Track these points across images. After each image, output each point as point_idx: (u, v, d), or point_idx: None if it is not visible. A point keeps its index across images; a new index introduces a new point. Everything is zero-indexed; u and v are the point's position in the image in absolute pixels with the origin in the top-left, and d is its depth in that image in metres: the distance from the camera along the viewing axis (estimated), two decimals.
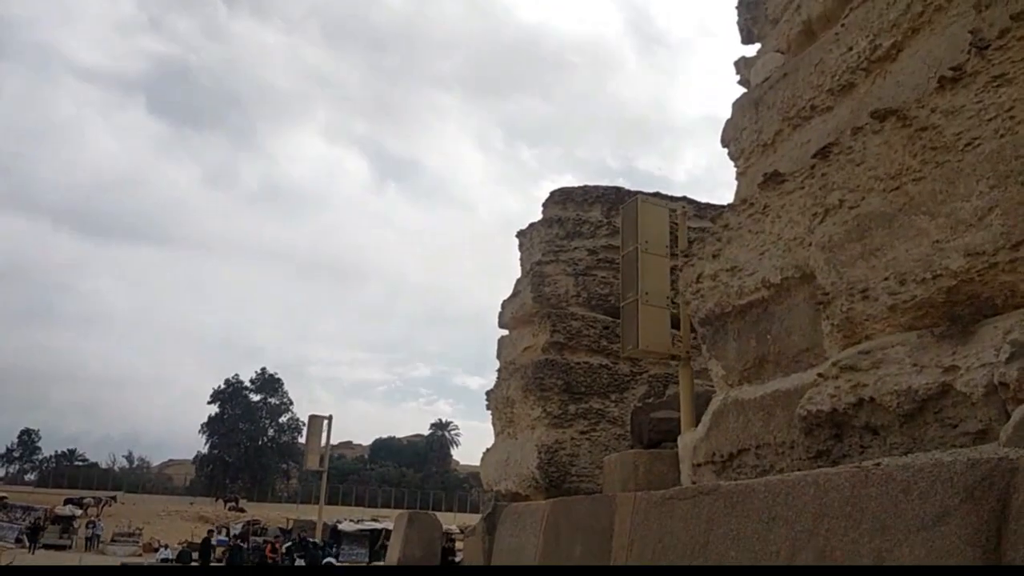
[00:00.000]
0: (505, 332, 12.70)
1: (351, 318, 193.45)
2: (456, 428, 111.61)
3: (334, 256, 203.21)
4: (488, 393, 12.69)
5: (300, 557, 24.86)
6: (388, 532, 38.27)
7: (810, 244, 5.19)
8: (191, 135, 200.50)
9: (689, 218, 8.25)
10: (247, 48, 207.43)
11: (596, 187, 12.38)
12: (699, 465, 6.44)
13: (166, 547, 33.88)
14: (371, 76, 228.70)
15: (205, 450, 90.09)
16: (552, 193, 12.49)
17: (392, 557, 11.74)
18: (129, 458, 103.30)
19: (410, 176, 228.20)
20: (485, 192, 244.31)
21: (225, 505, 59.60)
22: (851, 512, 3.26)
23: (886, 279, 4.50)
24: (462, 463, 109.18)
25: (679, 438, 7.03)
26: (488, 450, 12.51)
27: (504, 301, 12.76)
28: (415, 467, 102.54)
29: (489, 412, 12.68)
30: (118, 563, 24.06)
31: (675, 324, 7.90)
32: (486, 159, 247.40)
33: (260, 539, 34.83)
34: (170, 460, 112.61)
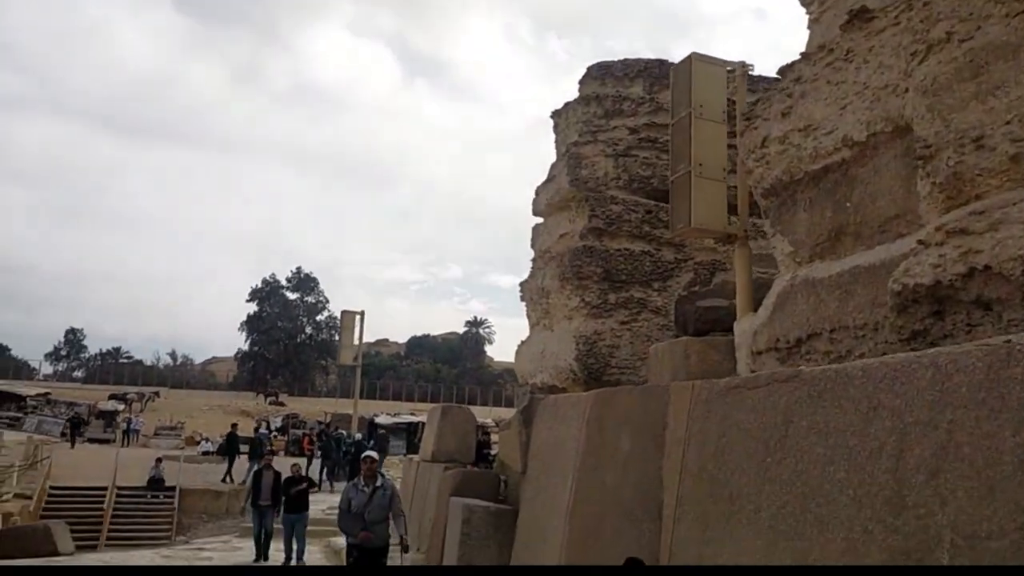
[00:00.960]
0: (540, 220, 11.97)
1: (383, 218, 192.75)
2: (490, 325, 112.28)
3: (364, 156, 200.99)
4: (522, 284, 12.07)
5: (320, 448, 24.45)
6: (423, 425, 38.61)
7: (906, 90, 4.37)
8: (218, 32, 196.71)
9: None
10: None
11: (637, 60, 11.40)
12: (759, 353, 5.79)
13: (207, 440, 34.56)
14: None
15: (246, 347, 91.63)
16: (590, 68, 11.53)
17: (426, 451, 11.38)
18: (173, 355, 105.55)
19: (438, 73, 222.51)
20: (514, 88, 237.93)
21: (266, 400, 60.68)
22: (986, 399, 2.58)
23: (1008, 123, 3.69)
24: (496, 359, 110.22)
25: (735, 324, 6.38)
26: (523, 342, 11.98)
27: (538, 187, 11.98)
28: (450, 363, 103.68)
29: (524, 304, 12.10)
30: (160, 454, 24.26)
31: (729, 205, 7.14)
32: (514, 52, 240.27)
33: (299, 431, 35.34)
34: (213, 357, 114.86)
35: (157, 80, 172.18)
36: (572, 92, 11.82)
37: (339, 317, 27.51)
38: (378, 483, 8.04)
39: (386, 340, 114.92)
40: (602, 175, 10.56)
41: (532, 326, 11.69)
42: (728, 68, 6.71)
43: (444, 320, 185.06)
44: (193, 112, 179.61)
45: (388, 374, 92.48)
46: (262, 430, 33.61)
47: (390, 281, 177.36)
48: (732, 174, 6.99)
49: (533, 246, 11.92)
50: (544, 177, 11.92)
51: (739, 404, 3.92)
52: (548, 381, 10.65)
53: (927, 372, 2.82)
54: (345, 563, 8.42)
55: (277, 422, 40.33)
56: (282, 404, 57.17)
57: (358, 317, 25.17)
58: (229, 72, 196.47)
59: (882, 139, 4.63)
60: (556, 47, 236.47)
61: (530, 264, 11.84)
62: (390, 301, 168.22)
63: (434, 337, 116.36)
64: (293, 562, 11.94)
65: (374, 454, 8.67)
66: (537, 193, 11.93)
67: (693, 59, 6.51)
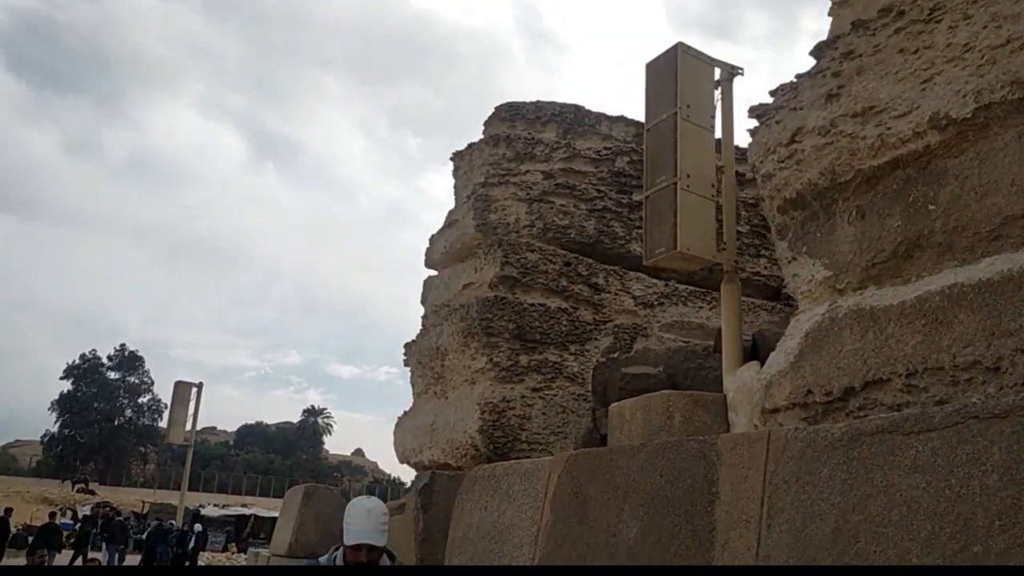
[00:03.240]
0: (433, 272, 10.43)
1: (221, 301, 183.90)
2: (329, 415, 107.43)
3: (205, 236, 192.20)
4: (407, 346, 10.38)
5: (104, 538, 20.36)
6: (256, 518, 35.05)
7: None
8: (53, 99, 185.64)
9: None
10: (119, 9, 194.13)
11: (551, 103, 10.26)
12: (775, 411, 4.41)
13: None
14: (252, 51, 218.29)
15: (55, 429, 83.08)
16: (497, 108, 10.26)
17: (280, 543, 9.26)
18: None
19: (289, 158, 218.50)
20: (367, 179, 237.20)
21: (73, 487, 54.29)
22: None
23: None
24: (332, 452, 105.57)
25: (726, 378, 5.01)
26: (405, 414, 10.21)
27: (433, 236, 10.48)
28: (284, 454, 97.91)
29: (407, 370, 10.40)
30: None
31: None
32: (369, 145, 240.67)
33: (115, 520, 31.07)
34: (16, 440, 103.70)
35: None
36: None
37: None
38: None
39: (214, 428, 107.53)
40: (513, 221, 9.19)
41: (418, 395, 9.97)
42: (719, 66, 5.53)
43: (279, 410, 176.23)
44: (18, 178, 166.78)
45: (215, 463, 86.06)
46: (64, 520, 29.32)
47: (224, 366, 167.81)
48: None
49: (424, 302, 10.31)
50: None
51: (888, 459, 2.46)
52: (439, 459, 8.91)
53: None
54: None
55: (86, 510, 35.56)
56: (92, 492, 51.27)
57: (195, 390, 22.27)
58: (62, 139, 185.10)
59: (998, 113, 3.46)
60: (411, 144, 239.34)
61: (419, 324, 10.19)
62: (222, 388, 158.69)
63: (268, 425, 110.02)
64: None
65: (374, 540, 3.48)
66: (431, 242, 10.41)
67: (680, 50, 5.28)
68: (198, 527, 20.13)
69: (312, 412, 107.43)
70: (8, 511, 21.13)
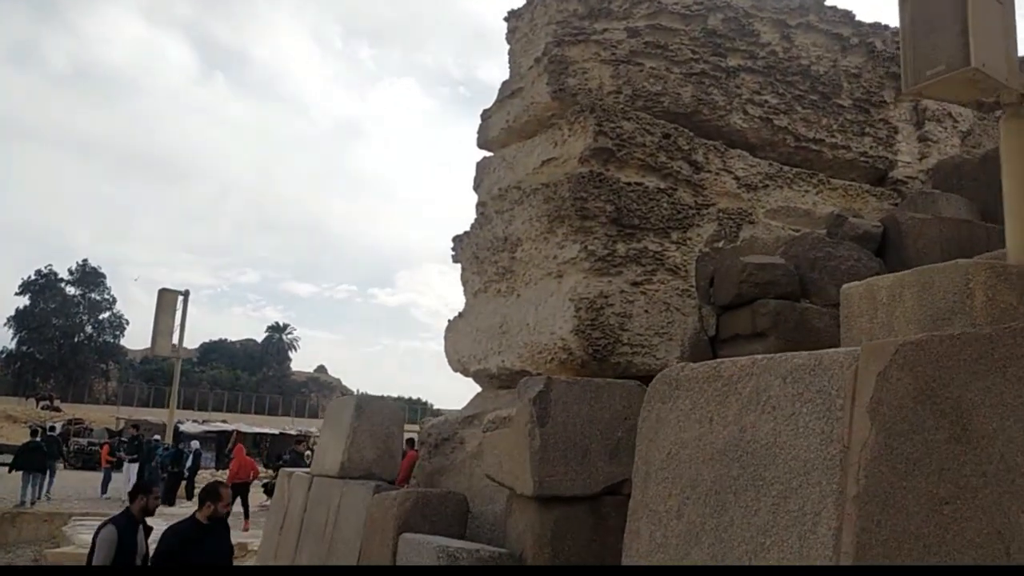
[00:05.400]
0: (488, 154, 8.96)
1: (173, 217, 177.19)
2: (293, 331, 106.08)
3: (154, 149, 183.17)
4: (457, 239, 9.00)
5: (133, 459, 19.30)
6: (238, 433, 33.74)
7: None
8: None
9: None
10: None
11: None
12: None
13: None
14: None
15: (12, 346, 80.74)
16: None
17: (327, 462, 7.95)
18: None
19: (239, 68, 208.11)
20: (320, 91, 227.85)
21: (38, 404, 52.51)
22: None
23: None
24: (294, 369, 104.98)
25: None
26: (458, 317, 8.89)
27: (486, 111, 8.98)
28: (249, 371, 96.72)
29: (459, 265, 9.03)
30: None
31: None
32: (322, 56, 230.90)
33: (84, 440, 29.69)
34: None
35: None
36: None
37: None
38: None
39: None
40: (596, 87, 7.73)
41: (475, 294, 8.61)
42: None
43: (237, 327, 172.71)
44: None
45: (179, 380, 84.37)
46: (38, 438, 27.83)
47: (179, 284, 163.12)
48: None
49: (478, 188, 8.86)
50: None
51: None
52: (513, 365, 7.63)
53: None
54: None
55: (57, 428, 34.05)
56: (58, 409, 49.63)
57: (180, 298, 20.64)
58: None
59: None
60: (366, 55, 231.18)
61: (476, 208, 8.75)
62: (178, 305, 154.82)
63: (232, 342, 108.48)
64: None
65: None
66: (486, 117, 8.91)
67: None
68: (195, 444, 18.86)
69: (276, 329, 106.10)
70: None
